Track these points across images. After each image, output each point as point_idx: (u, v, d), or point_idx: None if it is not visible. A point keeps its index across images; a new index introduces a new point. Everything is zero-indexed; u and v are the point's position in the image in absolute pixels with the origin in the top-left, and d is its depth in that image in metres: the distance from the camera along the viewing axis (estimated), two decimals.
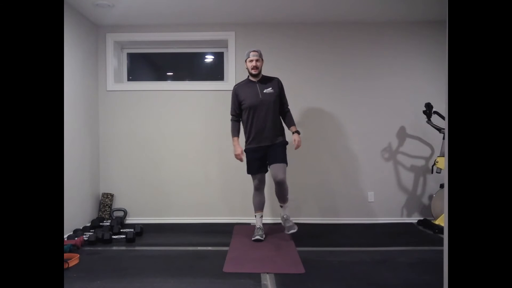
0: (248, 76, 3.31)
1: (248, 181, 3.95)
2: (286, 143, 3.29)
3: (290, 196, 3.35)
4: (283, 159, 3.20)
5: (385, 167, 4.05)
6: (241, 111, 3.29)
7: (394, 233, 3.57)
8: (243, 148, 3.34)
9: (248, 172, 3.32)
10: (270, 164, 3.22)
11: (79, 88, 3.64)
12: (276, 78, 3.33)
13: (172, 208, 4.06)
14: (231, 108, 3.34)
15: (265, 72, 3.77)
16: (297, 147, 3.24)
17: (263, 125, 3.18)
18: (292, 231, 3.13)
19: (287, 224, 3.19)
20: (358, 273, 2.50)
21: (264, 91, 3.20)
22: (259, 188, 3.31)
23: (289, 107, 3.38)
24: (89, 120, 3.86)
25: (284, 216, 3.27)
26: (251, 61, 3.21)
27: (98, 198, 4.05)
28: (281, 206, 3.31)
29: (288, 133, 3.37)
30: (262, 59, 3.28)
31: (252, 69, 3.20)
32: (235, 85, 3.37)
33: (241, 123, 3.36)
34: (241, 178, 4.03)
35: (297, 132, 3.28)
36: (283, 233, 3.32)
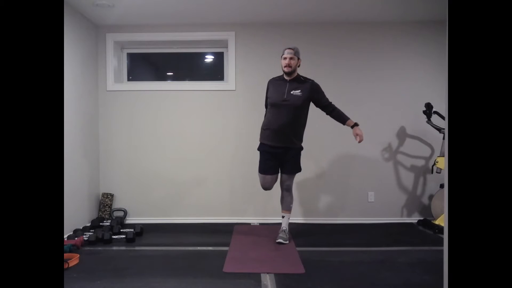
0: (283, 73, 3.15)
1: (248, 181, 3.97)
2: (301, 148, 3.21)
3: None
4: (295, 170, 3.18)
5: (385, 167, 4.05)
6: None
7: (394, 233, 3.57)
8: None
9: (259, 170, 3.22)
10: (282, 171, 3.20)
11: (79, 88, 3.64)
12: (310, 81, 3.12)
13: (172, 208, 4.06)
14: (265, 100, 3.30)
15: (264, 71, 3.77)
16: (361, 141, 3.04)
17: (280, 126, 3.05)
18: (281, 241, 3.14)
19: (281, 235, 3.20)
20: (358, 273, 2.50)
21: (291, 92, 3.04)
22: (266, 188, 3.23)
23: (331, 102, 3.16)
24: (89, 120, 3.86)
25: (283, 228, 3.25)
26: (285, 58, 3.03)
27: (98, 198, 4.05)
28: (283, 217, 3.29)
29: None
30: (299, 58, 3.07)
31: (284, 67, 3.04)
32: (271, 78, 3.25)
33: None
34: (241, 178, 4.03)
35: (356, 124, 3.08)
36: None
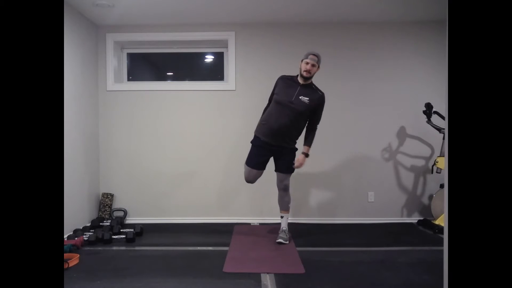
0: (298, 75, 3.11)
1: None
2: (296, 149, 3.21)
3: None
4: (290, 168, 3.17)
5: (385, 167, 4.05)
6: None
7: (394, 233, 3.57)
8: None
9: (247, 163, 3.24)
10: (277, 170, 3.20)
11: (79, 88, 3.64)
12: (320, 93, 3.10)
13: (172, 208, 4.06)
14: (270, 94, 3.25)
15: (264, 71, 3.77)
16: (297, 167, 3.14)
17: (279, 126, 3.05)
18: (281, 241, 3.14)
19: (282, 235, 3.20)
20: (358, 273, 2.50)
21: (300, 97, 3.02)
22: (249, 181, 3.28)
23: (317, 125, 3.19)
24: (89, 120, 3.86)
25: (283, 228, 3.25)
26: (307, 63, 2.99)
27: (98, 198, 4.04)
28: (282, 217, 3.28)
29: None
30: (319, 66, 3.05)
31: (304, 71, 3.00)
32: (282, 75, 3.22)
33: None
34: (241, 177, 4.03)
35: (306, 154, 3.14)
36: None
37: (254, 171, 3.21)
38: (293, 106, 3.03)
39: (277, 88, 3.17)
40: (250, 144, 3.33)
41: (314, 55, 3.01)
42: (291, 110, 3.04)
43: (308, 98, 3.04)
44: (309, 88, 3.09)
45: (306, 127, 3.19)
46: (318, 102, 3.08)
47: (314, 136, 3.19)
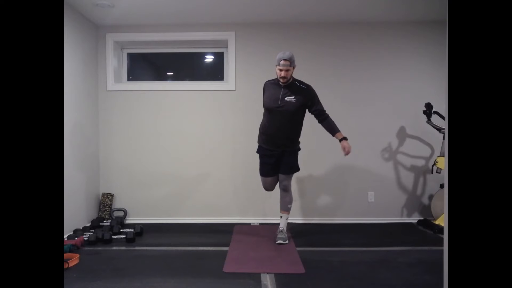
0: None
1: (248, 181, 3.97)
2: (298, 149, 3.21)
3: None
4: (292, 170, 3.17)
5: (385, 167, 4.05)
6: None
7: (394, 233, 3.57)
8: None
9: (259, 173, 3.29)
10: (279, 172, 3.20)
11: (79, 88, 3.64)
12: (306, 87, 3.05)
13: (172, 208, 4.06)
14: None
15: (264, 71, 3.76)
16: (347, 153, 3.02)
17: (275, 131, 3.06)
18: (280, 241, 3.14)
19: (280, 235, 3.19)
20: (358, 273, 2.50)
21: (286, 98, 2.99)
22: (267, 189, 3.33)
23: (325, 111, 3.12)
24: (89, 120, 3.86)
25: (280, 228, 3.24)
26: (281, 70, 2.94)
27: (98, 198, 4.04)
28: (281, 217, 3.28)
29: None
30: (294, 66, 2.97)
31: (280, 78, 2.97)
32: (267, 80, 3.20)
33: None
34: (241, 178, 4.03)
35: (345, 138, 3.04)
36: None
37: (269, 178, 3.24)
38: (282, 109, 3.01)
39: (264, 95, 3.17)
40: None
41: (285, 60, 2.90)
42: (281, 114, 3.03)
43: (293, 97, 3.00)
44: (293, 86, 3.05)
45: (318, 121, 3.14)
46: (306, 96, 3.04)
47: (333, 121, 3.11)
